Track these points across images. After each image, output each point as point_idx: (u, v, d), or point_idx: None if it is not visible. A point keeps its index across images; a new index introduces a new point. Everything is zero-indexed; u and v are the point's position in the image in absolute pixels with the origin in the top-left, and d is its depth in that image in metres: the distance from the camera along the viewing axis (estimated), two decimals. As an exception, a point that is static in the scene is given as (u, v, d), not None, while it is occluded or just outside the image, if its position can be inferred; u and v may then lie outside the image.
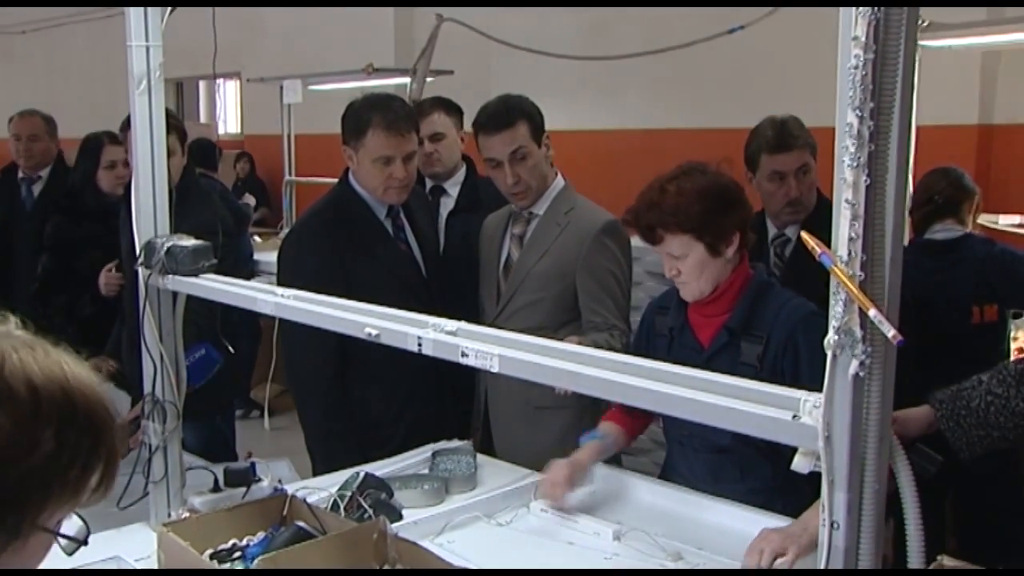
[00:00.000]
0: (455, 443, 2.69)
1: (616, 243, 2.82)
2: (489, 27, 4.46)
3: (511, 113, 2.89)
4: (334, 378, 2.83)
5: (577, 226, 2.83)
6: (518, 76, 4.98)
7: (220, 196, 4.42)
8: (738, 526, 2.15)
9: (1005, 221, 4.47)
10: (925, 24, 3.53)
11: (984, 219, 4.71)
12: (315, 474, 2.73)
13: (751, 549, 1.90)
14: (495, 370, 1.41)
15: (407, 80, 5.30)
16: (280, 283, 2.66)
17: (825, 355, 1.11)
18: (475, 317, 3.00)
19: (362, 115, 2.84)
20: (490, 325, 2.64)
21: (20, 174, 4.55)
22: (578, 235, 2.83)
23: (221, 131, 11.64)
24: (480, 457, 2.66)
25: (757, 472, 2.21)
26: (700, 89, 6.17)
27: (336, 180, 3.02)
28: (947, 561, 1.81)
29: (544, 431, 2.80)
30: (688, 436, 2.36)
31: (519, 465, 2.62)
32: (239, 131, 10.88)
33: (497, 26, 4.53)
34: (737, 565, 1.96)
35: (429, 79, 5.15)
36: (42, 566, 1.07)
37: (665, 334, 2.36)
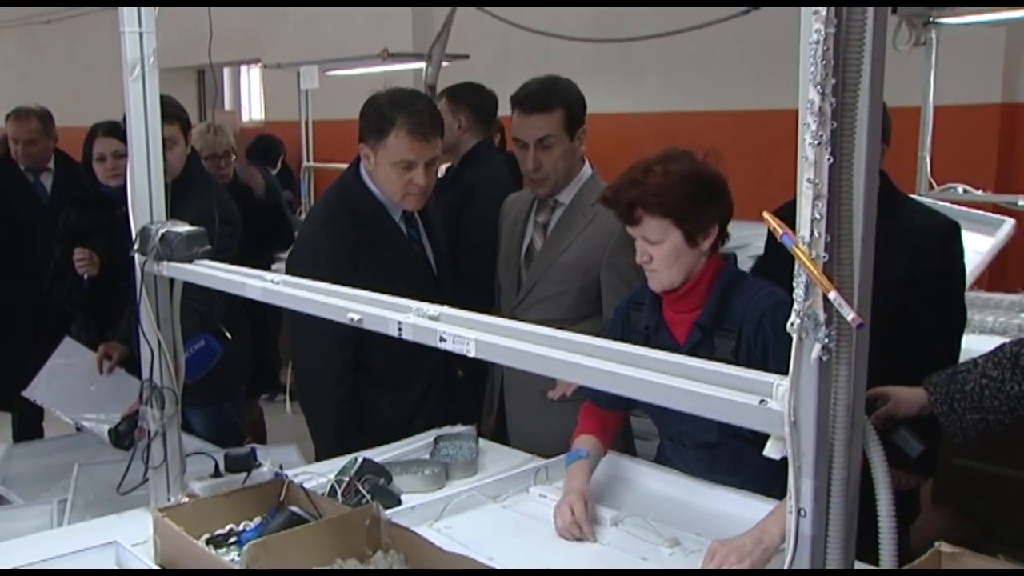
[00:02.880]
0: (458, 428, 2.68)
1: None
2: (505, 11, 4.43)
3: (550, 97, 2.82)
4: (346, 391, 2.73)
5: (604, 219, 2.68)
6: (534, 60, 4.95)
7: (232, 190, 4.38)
8: (737, 512, 2.13)
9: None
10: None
11: (1006, 199, 4.64)
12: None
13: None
14: (472, 355, 1.39)
15: (423, 65, 5.29)
16: None
17: (790, 342, 1.08)
18: (488, 307, 2.96)
19: (385, 114, 2.67)
20: (509, 315, 2.61)
21: (23, 166, 4.56)
22: (605, 229, 2.75)
23: (245, 118, 11.70)
24: (482, 442, 2.65)
25: (750, 463, 2.15)
26: (717, 71, 6.09)
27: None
28: (945, 547, 1.76)
29: (559, 422, 2.73)
30: (677, 433, 2.32)
31: (534, 454, 2.59)
32: (263, 117, 10.91)
33: (513, 10, 4.49)
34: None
35: (445, 64, 5.13)
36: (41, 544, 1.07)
37: (641, 331, 2.28)
